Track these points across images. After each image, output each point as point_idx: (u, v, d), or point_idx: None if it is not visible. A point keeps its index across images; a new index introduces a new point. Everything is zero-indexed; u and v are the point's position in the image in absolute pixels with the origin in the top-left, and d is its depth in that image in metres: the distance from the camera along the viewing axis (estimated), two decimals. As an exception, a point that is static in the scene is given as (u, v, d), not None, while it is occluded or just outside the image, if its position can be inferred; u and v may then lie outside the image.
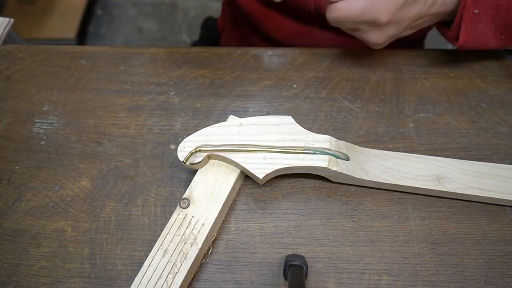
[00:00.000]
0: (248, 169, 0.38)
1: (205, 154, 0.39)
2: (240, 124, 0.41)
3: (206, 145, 0.40)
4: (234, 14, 0.70)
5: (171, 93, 0.49)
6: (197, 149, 0.39)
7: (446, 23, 0.45)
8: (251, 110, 0.47)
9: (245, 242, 0.39)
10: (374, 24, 0.41)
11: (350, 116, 0.46)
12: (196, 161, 0.39)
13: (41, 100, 0.49)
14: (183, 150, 0.40)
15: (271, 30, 0.63)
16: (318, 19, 0.59)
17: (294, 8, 0.58)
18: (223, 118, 0.43)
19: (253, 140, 0.40)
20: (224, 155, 0.39)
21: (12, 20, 0.56)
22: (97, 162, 0.44)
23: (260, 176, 0.38)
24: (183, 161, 0.39)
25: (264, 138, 0.40)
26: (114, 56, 0.52)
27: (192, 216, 0.38)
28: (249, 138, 0.40)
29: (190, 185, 0.39)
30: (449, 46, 0.49)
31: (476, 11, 0.37)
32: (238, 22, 0.69)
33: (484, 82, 0.48)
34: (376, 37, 0.43)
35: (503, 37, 0.42)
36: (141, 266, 0.36)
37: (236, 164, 0.40)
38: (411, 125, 0.45)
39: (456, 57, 0.50)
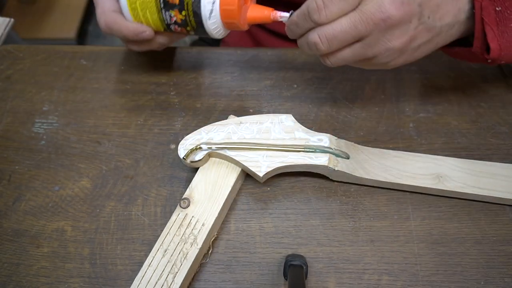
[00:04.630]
0: (249, 167, 0.38)
1: (206, 152, 0.39)
2: (241, 122, 0.41)
3: (206, 143, 0.40)
4: None
5: (171, 93, 0.49)
6: (198, 147, 0.39)
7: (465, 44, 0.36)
8: (251, 110, 0.47)
9: (245, 242, 0.39)
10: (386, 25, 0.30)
11: (350, 116, 0.46)
12: (197, 159, 0.39)
13: (41, 100, 0.49)
14: (184, 147, 0.40)
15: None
16: None
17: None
18: (223, 118, 0.43)
19: (253, 138, 0.40)
20: (225, 153, 0.39)
21: (12, 20, 0.56)
22: (97, 162, 0.44)
23: (261, 174, 0.38)
24: (183, 158, 0.39)
25: (265, 136, 0.40)
26: (114, 56, 0.52)
27: (192, 216, 0.38)
28: (249, 136, 0.40)
29: (190, 185, 0.39)
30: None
31: (498, 8, 0.30)
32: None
33: (484, 82, 0.48)
34: (398, 40, 0.31)
35: None
36: (141, 266, 0.36)
37: (236, 162, 0.40)
38: (411, 125, 0.45)
39: (456, 57, 0.50)
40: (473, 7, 0.31)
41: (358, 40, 0.32)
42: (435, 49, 0.33)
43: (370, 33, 0.30)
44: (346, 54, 0.33)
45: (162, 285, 0.34)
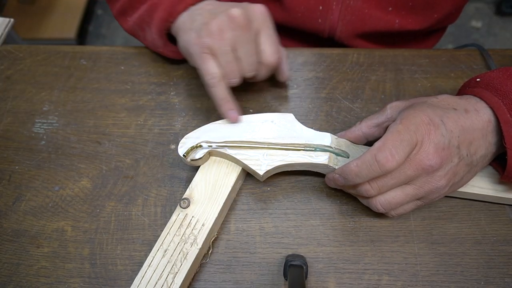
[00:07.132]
0: (249, 166, 0.38)
1: (206, 150, 0.39)
2: (241, 121, 0.41)
3: (207, 141, 0.40)
4: None
5: (171, 93, 0.49)
6: (198, 145, 0.39)
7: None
8: (251, 110, 0.47)
9: (245, 242, 0.39)
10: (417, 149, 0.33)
11: (350, 116, 0.46)
12: (197, 157, 0.39)
13: (41, 100, 0.49)
14: (184, 146, 0.40)
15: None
16: (329, 44, 0.59)
17: (306, 33, 0.58)
18: (223, 118, 0.43)
19: (254, 137, 0.40)
20: (225, 151, 0.39)
21: (12, 20, 0.56)
22: (97, 162, 0.44)
23: (261, 173, 0.38)
24: (183, 156, 0.39)
25: (265, 135, 0.40)
26: (114, 56, 0.52)
27: (192, 216, 0.38)
28: (249, 135, 0.40)
29: (190, 185, 0.39)
30: (449, 46, 0.49)
31: None
32: None
33: (484, 82, 0.48)
34: (439, 179, 0.34)
35: None
36: (141, 266, 0.36)
37: (237, 161, 0.40)
38: (411, 125, 0.45)
39: (456, 57, 0.50)
40: (499, 139, 0.36)
41: (407, 182, 0.35)
42: (475, 175, 0.38)
43: (419, 176, 0.34)
44: (398, 196, 0.35)
45: (162, 285, 0.34)
